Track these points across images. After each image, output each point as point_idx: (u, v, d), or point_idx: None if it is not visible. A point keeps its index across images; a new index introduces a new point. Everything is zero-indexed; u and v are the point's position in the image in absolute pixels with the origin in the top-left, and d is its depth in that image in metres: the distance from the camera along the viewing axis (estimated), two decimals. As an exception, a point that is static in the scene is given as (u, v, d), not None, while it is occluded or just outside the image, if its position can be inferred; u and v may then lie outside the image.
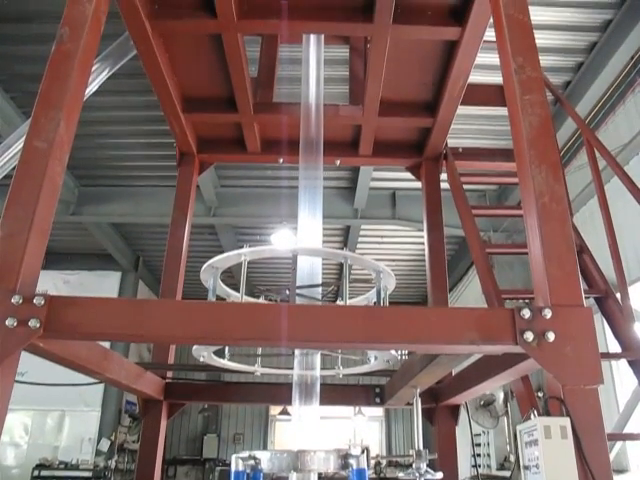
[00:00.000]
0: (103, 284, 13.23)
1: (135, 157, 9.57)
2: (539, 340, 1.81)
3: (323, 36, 3.37)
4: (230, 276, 2.80)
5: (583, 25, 6.91)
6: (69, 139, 2.21)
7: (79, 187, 10.32)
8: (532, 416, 1.84)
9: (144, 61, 3.27)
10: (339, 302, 2.81)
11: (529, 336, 1.81)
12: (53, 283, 12.51)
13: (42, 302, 1.82)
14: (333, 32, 3.42)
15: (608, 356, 3.20)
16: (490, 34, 2.57)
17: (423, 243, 4.14)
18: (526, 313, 1.84)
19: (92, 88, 3.50)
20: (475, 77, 3.41)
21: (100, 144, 9.10)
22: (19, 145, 3.96)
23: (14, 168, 2.07)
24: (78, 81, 2.28)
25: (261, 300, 3.05)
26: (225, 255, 2.47)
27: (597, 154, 3.69)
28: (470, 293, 11.94)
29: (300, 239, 3.12)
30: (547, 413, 1.81)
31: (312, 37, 3.38)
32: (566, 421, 1.72)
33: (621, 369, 6.87)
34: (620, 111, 7.54)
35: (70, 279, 13.10)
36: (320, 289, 2.79)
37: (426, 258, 4.10)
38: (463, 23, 3.04)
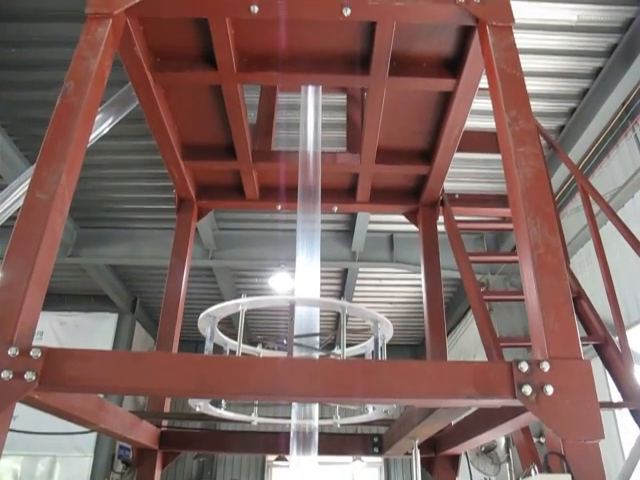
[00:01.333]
0: (100, 326, 13.13)
1: (134, 200, 9.65)
2: (538, 394, 1.80)
3: (321, 86, 3.48)
4: (228, 320, 2.79)
5: (575, 72, 7.08)
6: (70, 190, 2.24)
7: (78, 229, 10.37)
8: (532, 472, 1.82)
9: (145, 110, 3.34)
10: (336, 350, 2.80)
11: (527, 390, 1.80)
12: (49, 324, 12.43)
13: (39, 354, 1.81)
14: (331, 84, 3.52)
15: (609, 406, 3.18)
16: (485, 81, 2.64)
17: (421, 285, 4.15)
18: (524, 366, 1.84)
19: (95, 137, 3.57)
20: (471, 122, 3.47)
21: (99, 186, 9.19)
22: (23, 188, 4.01)
23: (18, 210, 2.09)
24: (81, 133, 2.32)
25: (259, 348, 3.04)
26: (223, 305, 2.48)
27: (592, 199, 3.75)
28: (469, 335, 11.87)
29: (298, 284, 3.14)
30: (548, 469, 1.79)
31: (310, 87, 3.48)
32: (567, 478, 1.69)
33: (625, 415, 6.79)
34: (614, 155, 7.66)
35: (66, 320, 13.00)
36: (318, 337, 2.79)
37: (424, 303, 4.10)
38: (457, 75, 3.12)
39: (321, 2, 2.66)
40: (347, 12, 2.64)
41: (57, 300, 12.60)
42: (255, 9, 2.64)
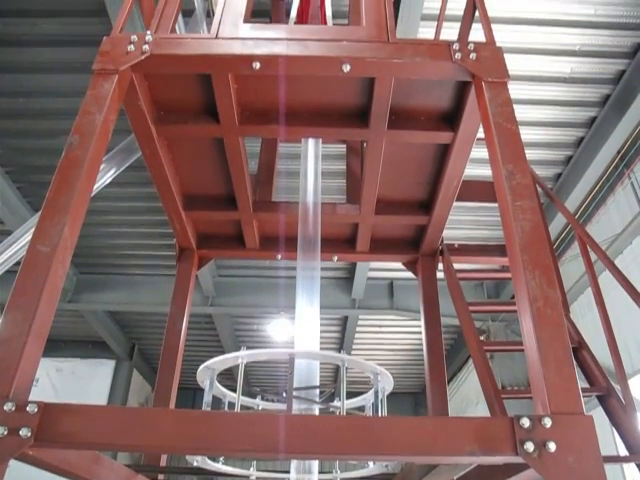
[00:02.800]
0: (96, 372, 12.98)
1: (134, 246, 9.70)
2: (540, 450, 1.77)
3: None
4: (227, 369, 2.77)
5: (570, 122, 7.24)
6: (72, 242, 2.25)
7: (77, 275, 10.38)
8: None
9: (148, 161, 3.39)
10: (336, 403, 2.77)
11: (529, 447, 1.77)
12: (45, 371, 12.29)
13: (35, 410, 1.79)
14: (330, 137, 3.58)
15: (614, 460, 3.13)
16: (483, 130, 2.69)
17: (421, 332, 4.13)
18: (525, 422, 1.81)
19: (98, 186, 3.62)
20: (468, 170, 3.51)
21: (100, 232, 9.26)
22: (26, 237, 4.03)
23: (18, 263, 2.09)
24: (85, 186, 2.35)
25: (258, 400, 3.01)
26: (222, 357, 2.46)
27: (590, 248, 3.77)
28: (471, 383, 11.72)
29: (297, 334, 3.12)
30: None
31: (310, 138, 3.55)
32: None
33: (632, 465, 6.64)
34: (611, 202, 7.75)
35: (63, 367, 12.85)
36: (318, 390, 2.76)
37: (424, 352, 4.06)
38: (455, 128, 3.18)
39: (321, 59, 2.73)
40: (347, 69, 2.72)
41: (54, 346, 12.49)
42: (257, 65, 2.71)
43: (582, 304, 8.08)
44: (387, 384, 2.70)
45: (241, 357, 2.46)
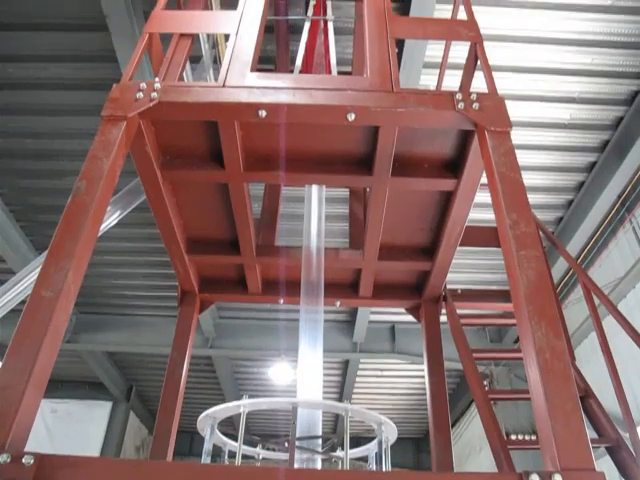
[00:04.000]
0: (92, 414, 12.75)
1: (135, 286, 9.68)
2: (550, 509, 1.72)
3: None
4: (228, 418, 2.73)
5: (570, 166, 7.31)
6: (76, 287, 2.25)
7: (77, 314, 10.32)
8: None
9: (152, 205, 3.40)
10: (339, 452, 2.71)
11: (540, 505, 1.72)
12: (40, 412, 11.95)
13: (31, 461, 1.74)
14: (334, 184, 3.62)
15: (625, 516, 3.02)
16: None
17: (424, 376, 4.08)
18: (535, 479, 1.77)
19: (102, 230, 3.62)
20: (472, 215, 3.52)
21: (102, 272, 9.24)
22: (31, 277, 4.02)
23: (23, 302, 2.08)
24: (90, 231, 2.36)
25: (258, 449, 2.94)
26: (224, 406, 2.43)
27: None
28: (474, 428, 11.50)
29: (300, 380, 3.09)
30: None
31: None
32: None
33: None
34: (613, 246, 7.75)
35: (58, 408, 12.63)
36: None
37: (427, 398, 4.00)
38: (458, 175, 3.21)
39: (326, 108, 2.77)
40: (351, 117, 2.76)
41: (50, 386, 11.97)
42: (263, 114, 2.76)
43: (587, 348, 7.99)
44: (391, 434, 2.64)
45: (243, 406, 2.42)
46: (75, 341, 10.16)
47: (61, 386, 12.58)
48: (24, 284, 4.11)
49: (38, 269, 2.23)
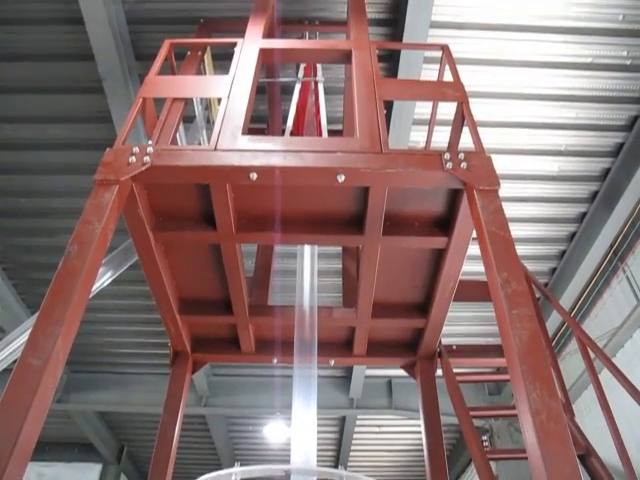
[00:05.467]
0: (81, 478, 12.34)
1: (127, 344, 9.57)
2: None
3: (317, 242, 3.60)
4: None
5: (561, 217, 7.39)
6: (65, 354, 2.22)
7: (68, 373, 10.14)
8: None
9: (145, 266, 3.40)
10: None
11: None
12: (26, 477, 11.63)
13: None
14: (326, 243, 3.64)
15: None
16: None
17: (421, 432, 3.99)
18: None
19: (93, 291, 3.60)
20: (464, 267, 3.52)
21: (93, 330, 9.14)
22: (23, 339, 3.96)
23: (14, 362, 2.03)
24: (81, 296, 2.35)
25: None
26: (215, 474, 2.36)
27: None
28: (475, 486, 11.20)
29: (294, 440, 3.03)
30: None
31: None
32: None
33: None
34: (607, 295, 7.76)
35: (45, 472, 12.20)
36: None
37: (425, 457, 3.91)
38: (449, 233, 3.23)
39: (316, 170, 2.82)
40: (341, 179, 2.80)
41: (37, 449, 11.78)
42: (254, 176, 2.79)
43: (587, 399, 7.89)
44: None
45: (234, 474, 2.36)
46: (65, 401, 9.94)
47: (49, 449, 12.19)
48: (15, 345, 4.05)
49: (29, 331, 2.20)
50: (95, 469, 12.52)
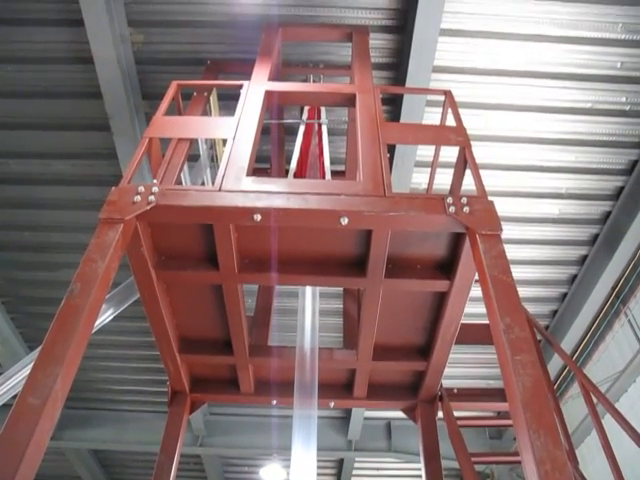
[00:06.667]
0: (73, 518, 12.01)
1: (124, 381, 9.45)
2: None
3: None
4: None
5: (562, 260, 7.39)
6: (64, 394, 2.20)
7: (63, 409, 9.97)
8: None
9: (146, 304, 3.39)
10: None
11: None
12: (17, 516, 11.33)
13: None
14: (328, 284, 3.63)
15: None
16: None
17: (421, 476, 3.91)
18: None
19: (94, 329, 3.59)
20: (466, 309, 3.51)
21: (89, 366, 9.03)
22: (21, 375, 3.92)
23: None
24: (82, 335, 2.34)
25: None
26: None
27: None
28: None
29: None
30: None
31: (308, 284, 3.60)
32: None
33: None
34: (610, 339, 7.69)
35: (37, 511, 11.88)
36: None
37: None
38: (451, 276, 3.22)
39: (320, 212, 2.83)
40: (344, 221, 2.81)
41: (28, 487, 11.64)
42: (258, 218, 2.81)
43: (591, 444, 7.74)
44: None
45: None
46: (59, 438, 9.74)
47: (39, 487, 11.90)
48: (13, 382, 4.00)
49: (29, 367, 2.18)
50: (86, 509, 12.19)
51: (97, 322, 3.76)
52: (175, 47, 5.55)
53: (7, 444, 1.93)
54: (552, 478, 1.94)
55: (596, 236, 7.07)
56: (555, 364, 7.90)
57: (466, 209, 2.85)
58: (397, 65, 5.60)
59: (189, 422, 9.27)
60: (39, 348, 2.25)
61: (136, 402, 9.83)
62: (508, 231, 6.35)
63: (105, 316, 3.63)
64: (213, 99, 4.66)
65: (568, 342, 7.77)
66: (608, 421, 3.64)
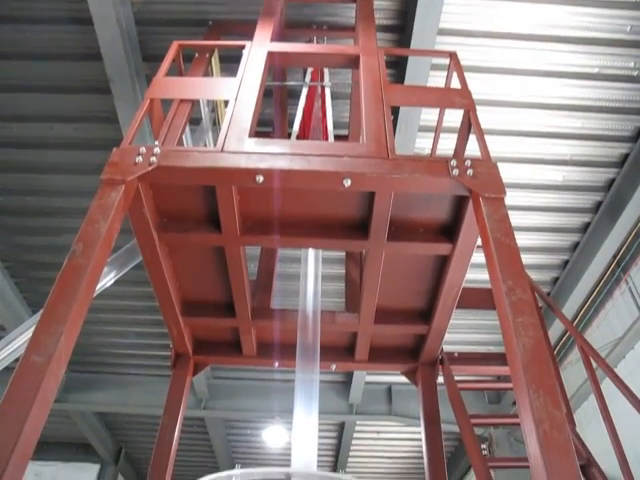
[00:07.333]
0: (79, 478, 12.30)
1: (128, 345, 9.55)
2: None
3: (321, 247, 3.58)
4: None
5: (564, 227, 7.37)
6: (68, 353, 2.21)
7: (68, 372, 10.12)
8: None
9: (148, 267, 3.39)
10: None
11: None
12: (24, 476, 11.59)
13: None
14: (330, 247, 3.63)
15: None
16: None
17: (421, 439, 3.98)
18: None
19: (97, 291, 3.60)
20: (467, 276, 3.51)
21: (94, 330, 9.12)
22: (25, 337, 3.96)
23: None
24: (85, 295, 2.35)
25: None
26: (215, 476, 2.35)
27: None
28: (473, 494, 11.15)
29: (295, 447, 3.01)
30: None
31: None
32: None
33: None
34: (610, 306, 7.73)
35: (43, 471, 12.15)
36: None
37: (425, 465, 3.89)
38: (454, 240, 3.22)
39: (323, 174, 2.81)
40: (347, 183, 2.79)
41: (35, 448, 11.84)
42: (260, 179, 2.79)
43: (587, 410, 7.85)
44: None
45: (235, 476, 2.35)
46: (64, 400, 9.90)
47: (47, 447, 12.13)
48: (17, 344, 4.05)
49: (32, 329, 2.20)
50: (93, 469, 12.48)
51: (100, 285, 3.78)
52: (176, 7, 5.45)
53: (13, 400, 1.96)
54: (550, 437, 1.96)
55: (599, 204, 7.04)
56: (554, 332, 7.96)
57: (470, 172, 2.83)
58: (402, 27, 5.50)
59: (193, 386, 9.40)
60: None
61: (139, 366, 9.96)
62: (512, 198, 6.34)
63: (108, 278, 3.64)
64: (215, 61, 4.58)
65: (568, 309, 7.81)
66: (605, 388, 3.68)
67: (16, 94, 6.11)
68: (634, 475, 3.26)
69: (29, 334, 2.22)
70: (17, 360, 2.14)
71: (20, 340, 3.91)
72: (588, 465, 3.52)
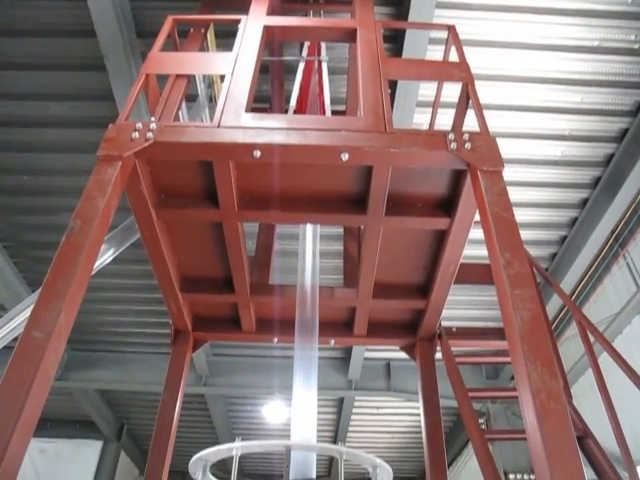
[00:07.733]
0: (82, 454, 12.42)
1: (128, 323, 9.58)
2: None
3: (319, 222, 3.58)
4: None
5: (563, 203, 7.34)
6: (68, 328, 2.23)
7: (69, 351, 10.18)
8: None
9: (147, 244, 3.40)
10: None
11: None
12: (27, 452, 11.69)
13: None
14: (328, 223, 3.64)
15: None
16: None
17: (419, 414, 4.03)
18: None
19: (95, 268, 3.61)
20: (465, 251, 3.51)
21: (94, 309, 9.15)
22: (24, 315, 3.97)
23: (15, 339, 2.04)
24: (83, 271, 2.35)
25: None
26: (216, 449, 2.38)
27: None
28: (471, 467, 11.30)
29: (294, 420, 3.04)
30: None
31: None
32: None
33: None
34: (608, 282, 7.76)
35: (47, 448, 12.29)
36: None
37: (423, 439, 3.95)
38: (452, 214, 3.22)
39: (320, 148, 2.80)
40: (345, 157, 2.78)
41: (38, 425, 11.88)
42: (258, 154, 2.78)
43: (584, 384, 7.92)
44: (386, 477, 2.59)
45: (235, 448, 2.38)
46: (66, 379, 9.98)
47: (50, 425, 12.26)
48: (16, 322, 4.06)
49: (31, 307, 2.21)
50: (96, 446, 12.62)
51: (98, 262, 3.79)
52: (169, -19, 5.37)
53: (14, 377, 1.97)
54: (547, 408, 1.99)
55: (598, 179, 7.01)
56: (552, 307, 8.00)
57: (468, 145, 2.82)
58: (399, 0, 5.41)
59: (193, 363, 9.47)
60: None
61: (140, 344, 10.01)
62: (510, 173, 6.30)
63: (106, 256, 3.65)
64: (210, 36, 4.52)
65: (566, 285, 7.82)
66: (602, 362, 3.70)
67: (10, 72, 6.03)
68: (629, 448, 3.30)
69: (28, 312, 2.23)
70: (16, 339, 2.15)
71: (19, 318, 3.93)
72: (584, 436, 3.56)
